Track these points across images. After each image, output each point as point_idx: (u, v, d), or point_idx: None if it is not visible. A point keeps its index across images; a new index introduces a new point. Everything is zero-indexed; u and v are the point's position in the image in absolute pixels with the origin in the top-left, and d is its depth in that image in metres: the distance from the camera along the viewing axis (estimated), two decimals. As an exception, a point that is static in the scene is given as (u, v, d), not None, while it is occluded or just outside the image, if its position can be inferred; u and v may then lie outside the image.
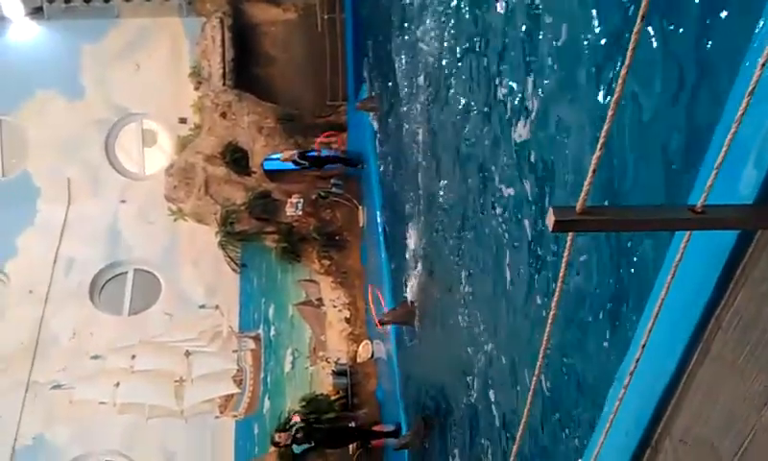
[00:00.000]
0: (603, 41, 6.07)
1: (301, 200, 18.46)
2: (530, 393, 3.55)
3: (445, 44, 11.08)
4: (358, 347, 17.51)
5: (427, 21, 11.98)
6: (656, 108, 5.14)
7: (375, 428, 15.58)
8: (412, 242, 13.51)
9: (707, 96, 4.51)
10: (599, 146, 2.43)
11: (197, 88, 20.04)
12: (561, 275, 2.83)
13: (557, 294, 2.91)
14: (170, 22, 20.89)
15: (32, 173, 20.19)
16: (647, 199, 5.23)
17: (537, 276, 7.45)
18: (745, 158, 2.78)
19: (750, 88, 2.42)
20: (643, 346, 3.20)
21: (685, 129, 4.82)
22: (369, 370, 17.08)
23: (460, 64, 10.34)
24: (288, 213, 18.40)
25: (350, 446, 15.59)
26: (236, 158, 19.33)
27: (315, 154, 18.61)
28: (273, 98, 19.85)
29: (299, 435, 14.62)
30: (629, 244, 5.51)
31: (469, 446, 10.15)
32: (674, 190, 4.85)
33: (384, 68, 15.95)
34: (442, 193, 11.40)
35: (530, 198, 7.63)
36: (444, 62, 11.16)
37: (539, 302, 7.32)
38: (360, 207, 18.47)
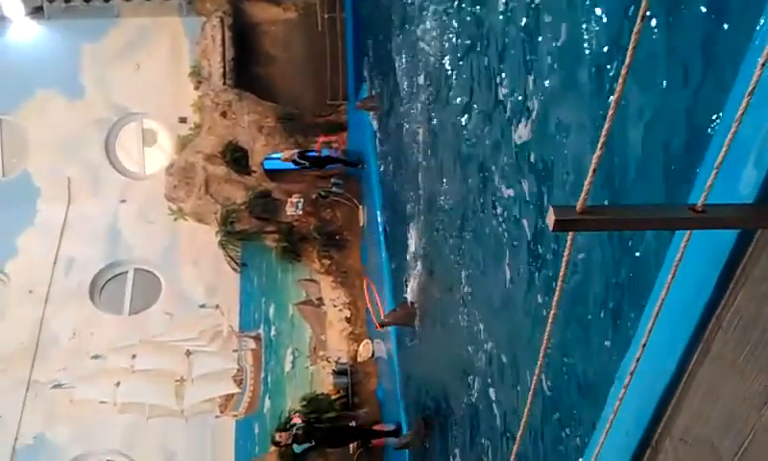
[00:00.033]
0: (603, 41, 6.07)
1: (302, 199, 18.46)
2: (530, 392, 3.55)
3: (446, 44, 11.08)
4: (358, 346, 17.52)
5: (428, 20, 11.98)
6: (656, 107, 5.14)
7: (376, 428, 15.58)
8: (412, 242, 13.51)
9: (707, 95, 4.51)
10: (599, 145, 2.43)
11: (197, 88, 20.03)
12: (561, 274, 2.83)
13: (557, 293, 2.91)
14: (170, 22, 20.89)
15: (32, 173, 20.19)
16: (647, 198, 5.23)
17: (537, 275, 7.45)
18: (745, 158, 2.78)
19: (750, 88, 2.42)
20: (644, 345, 3.20)
21: (686, 128, 4.81)
22: (369, 369, 17.08)
23: (460, 64, 10.34)
24: (288, 213, 18.41)
25: (351, 445, 15.60)
26: (236, 158, 19.33)
27: (315, 154, 18.61)
28: (273, 97, 19.85)
29: (299, 434, 14.63)
30: (630, 243, 5.51)
31: (470, 445, 10.15)
32: (674, 190, 4.85)
33: (384, 68, 15.95)
34: (442, 193, 11.40)
35: (530, 197, 7.63)
36: (444, 62, 11.16)
37: (539, 301, 7.32)
38: (360, 207, 18.47)
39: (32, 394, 17.77)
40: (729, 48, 4.23)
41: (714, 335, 3.13)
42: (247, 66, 20.01)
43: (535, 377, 3.42)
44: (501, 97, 8.49)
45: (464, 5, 10.27)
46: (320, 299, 18.52)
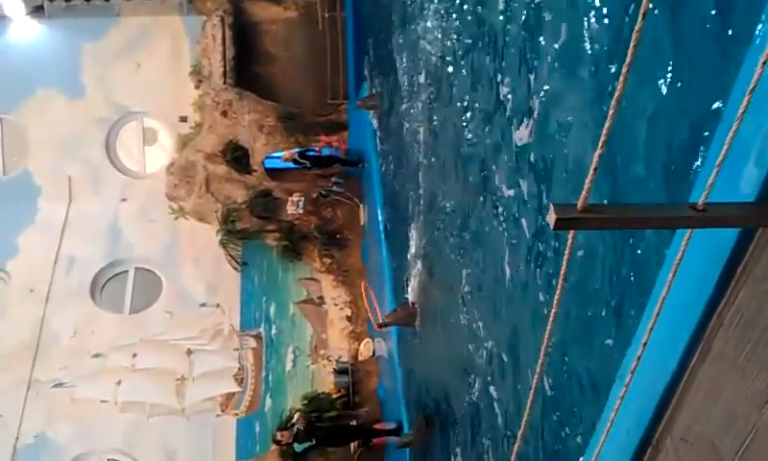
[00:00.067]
0: (604, 39, 6.06)
1: (302, 198, 18.48)
2: (531, 391, 3.55)
3: (446, 42, 11.07)
4: (359, 345, 17.53)
5: (428, 19, 11.97)
6: (657, 106, 5.14)
7: (377, 427, 15.59)
8: (413, 240, 13.51)
9: (708, 94, 4.50)
10: (600, 144, 2.43)
11: (197, 87, 20.04)
12: (562, 272, 2.83)
13: (558, 292, 2.91)
14: (170, 21, 20.88)
15: (32, 171, 20.19)
16: (648, 197, 5.22)
17: (538, 273, 7.45)
18: (746, 156, 2.77)
19: (751, 86, 2.41)
20: (644, 344, 3.20)
21: (687, 127, 4.81)
22: (370, 368, 17.09)
23: (461, 63, 10.33)
24: (289, 211, 18.43)
25: (352, 444, 15.60)
26: (237, 157, 19.34)
27: (315, 153, 18.61)
28: (273, 96, 19.86)
29: (300, 433, 14.63)
30: (630, 241, 5.50)
31: (471, 444, 10.15)
32: (675, 188, 4.85)
33: (385, 66, 15.96)
34: (443, 192, 11.40)
35: (531, 196, 7.63)
36: (445, 61, 11.16)
37: (541, 299, 7.32)
38: (361, 206, 18.47)
39: (33, 393, 17.77)
40: (730, 46, 4.23)
41: (715, 334, 3.12)
42: (247, 65, 20.01)
43: (536, 376, 3.42)
44: (502, 96, 8.49)
45: (464, 4, 10.27)
46: (321, 297, 18.53)
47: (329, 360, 17.62)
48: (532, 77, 7.53)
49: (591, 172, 2.41)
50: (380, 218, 16.37)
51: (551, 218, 2.43)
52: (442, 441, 11.93)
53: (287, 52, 20.34)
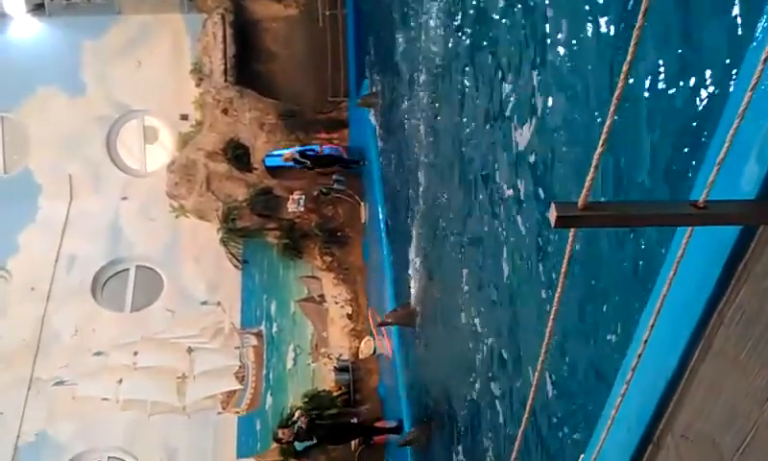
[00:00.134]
0: (605, 36, 6.06)
1: (303, 196, 18.50)
2: (532, 389, 3.55)
3: (447, 40, 11.06)
4: (360, 343, 17.53)
5: (429, 17, 11.96)
6: (657, 104, 5.14)
7: (377, 425, 15.61)
8: (413, 238, 13.51)
9: (708, 91, 4.50)
10: (601, 142, 2.43)
11: (198, 85, 20.05)
12: (563, 271, 2.83)
13: (559, 289, 2.91)
14: (171, 18, 20.89)
15: (33, 170, 20.20)
16: (649, 195, 5.22)
17: (539, 271, 7.44)
18: (747, 154, 2.77)
19: (752, 84, 2.41)
20: (645, 341, 3.20)
21: (687, 125, 4.81)
22: (371, 366, 17.10)
23: (462, 60, 10.32)
24: (290, 209, 18.44)
25: (352, 442, 15.61)
26: (238, 155, 19.35)
27: (316, 153, 18.61)
28: (274, 94, 19.87)
29: (301, 431, 14.64)
30: (632, 237, 5.50)
31: (472, 441, 10.15)
32: (676, 186, 4.85)
33: (385, 64, 15.95)
34: (443, 190, 11.40)
35: (532, 194, 7.62)
36: (445, 58, 11.15)
37: (542, 296, 7.31)
38: (362, 204, 18.47)
39: (34, 391, 17.78)
40: (730, 44, 4.23)
41: (716, 331, 3.12)
42: (248, 63, 20.01)
43: (537, 373, 3.42)
44: (502, 94, 8.48)
45: (465, 2, 10.25)
46: (321, 295, 18.54)
47: (330, 358, 17.63)
48: (534, 74, 7.52)
49: (592, 170, 2.41)
50: (381, 216, 16.37)
51: (552, 216, 2.43)
52: (443, 438, 11.94)
53: (288, 50, 20.34)
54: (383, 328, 15.16)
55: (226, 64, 19.45)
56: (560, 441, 6.95)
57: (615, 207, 2.79)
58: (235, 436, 17.58)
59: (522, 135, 7.81)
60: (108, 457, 17.63)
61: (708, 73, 4.63)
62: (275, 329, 18.54)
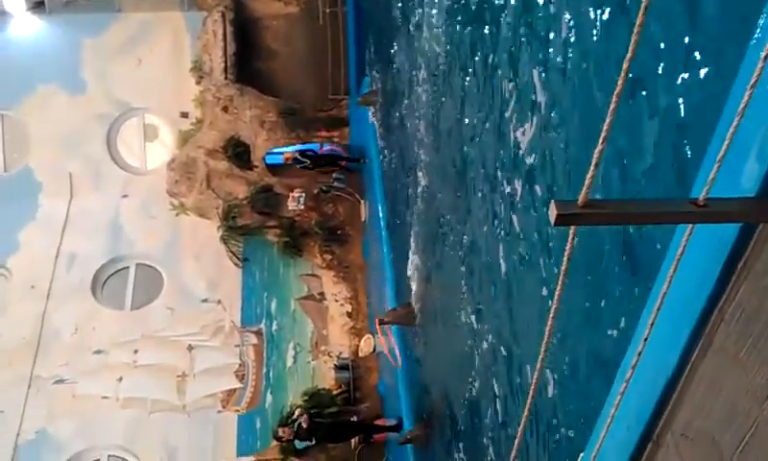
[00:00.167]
0: (606, 34, 6.05)
1: (303, 194, 18.50)
2: (532, 387, 3.55)
3: (448, 38, 11.06)
4: (360, 341, 17.54)
5: (429, 15, 11.96)
6: (657, 102, 5.13)
7: (377, 423, 15.61)
8: (414, 236, 13.51)
9: (708, 89, 4.50)
10: (601, 140, 2.42)
11: (198, 83, 20.05)
12: (563, 269, 2.82)
13: (559, 288, 2.91)
14: (171, 16, 20.89)
15: (33, 168, 20.21)
16: (650, 192, 5.22)
17: (539, 270, 7.44)
18: (747, 152, 2.77)
19: (752, 81, 2.41)
20: (645, 339, 3.20)
21: (687, 122, 4.80)
22: (370, 364, 17.11)
23: (462, 58, 10.32)
24: (290, 207, 18.45)
25: (352, 440, 15.61)
26: (238, 153, 19.35)
27: (316, 152, 18.61)
28: (274, 92, 19.87)
29: (301, 430, 14.65)
30: (631, 237, 5.50)
31: (473, 439, 10.16)
32: (676, 184, 4.85)
33: (386, 62, 15.95)
34: (443, 187, 11.40)
35: (532, 192, 7.62)
36: (446, 56, 11.15)
37: (543, 294, 7.31)
38: (362, 202, 18.48)
39: (34, 389, 17.78)
40: (731, 40, 4.22)
41: (716, 329, 3.12)
42: (248, 61, 20.02)
43: (536, 371, 3.42)
44: (503, 91, 8.48)
45: (465, -1, 10.26)
46: (321, 293, 18.54)
47: (330, 356, 17.64)
48: (534, 71, 7.51)
49: (592, 168, 2.41)
50: (381, 214, 16.37)
51: (552, 214, 2.42)
52: (443, 437, 11.94)
53: (288, 47, 20.34)
54: (387, 329, 15.14)
55: (226, 62, 19.46)
56: (559, 439, 6.95)
57: (615, 205, 2.79)
58: (235, 434, 17.59)
59: (523, 133, 7.80)
60: (108, 455, 17.62)
61: (708, 71, 4.63)
62: (275, 327, 18.55)
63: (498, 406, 9.03)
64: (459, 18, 10.54)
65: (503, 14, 8.54)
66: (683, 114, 4.88)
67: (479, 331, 9.63)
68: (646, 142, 5.27)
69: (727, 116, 2.93)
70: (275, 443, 15.85)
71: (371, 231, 17.81)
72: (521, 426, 4.14)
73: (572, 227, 2.63)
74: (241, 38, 19.81)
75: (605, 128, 2.41)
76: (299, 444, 15.32)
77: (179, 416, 17.39)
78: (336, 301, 18.19)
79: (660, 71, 5.08)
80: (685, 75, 4.88)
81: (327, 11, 19.74)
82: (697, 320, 3.22)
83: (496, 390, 9.07)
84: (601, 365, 5.99)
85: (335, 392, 16.78)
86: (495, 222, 8.81)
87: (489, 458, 9.34)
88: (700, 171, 3.22)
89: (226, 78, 19.46)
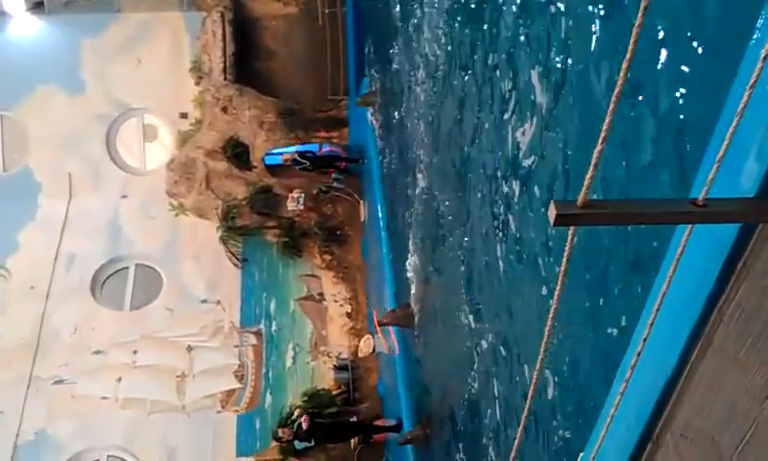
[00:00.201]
0: (606, 34, 6.05)
1: (303, 194, 18.50)
2: (532, 387, 3.55)
3: (447, 38, 11.06)
4: (359, 341, 17.54)
5: (429, 15, 11.95)
6: (657, 101, 5.13)
7: (377, 423, 15.60)
8: (413, 237, 13.51)
9: (708, 89, 4.50)
10: (600, 140, 2.42)
11: (198, 83, 20.04)
12: (562, 269, 2.82)
13: (558, 287, 2.91)
14: (171, 17, 20.89)
15: (33, 168, 20.20)
16: (649, 192, 5.22)
17: (538, 269, 7.44)
18: (746, 152, 2.77)
19: (751, 81, 2.41)
20: (645, 340, 3.20)
21: (687, 122, 4.81)
22: (370, 364, 17.11)
23: (462, 58, 10.32)
24: (289, 208, 18.45)
25: (352, 440, 15.61)
26: (237, 153, 19.35)
27: (315, 154, 18.61)
28: (274, 92, 19.87)
29: (301, 431, 14.64)
30: (631, 237, 5.50)
31: (472, 439, 10.15)
32: (675, 184, 4.85)
33: (385, 62, 15.94)
34: (443, 188, 11.39)
35: (531, 192, 7.62)
36: (445, 56, 11.15)
37: (543, 293, 7.31)
38: (361, 202, 18.48)
39: (33, 390, 17.77)
40: (731, 40, 4.22)
41: (716, 329, 3.12)
42: (247, 61, 20.01)
43: (536, 371, 3.42)
44: (502, 92, 8.48)
45: (464, -1, 10.26)
46: (321, 294, 18.54)
47: (329, 357, 17.63)
48: (533, 72, 7.51)
49: (591, 168, 2.41)
50: (380, 214, 16.37)
51: (551, 214, 2.43)
52: (442, 437, 11.94)
53: (287, 48, 20.34)
54: (388, 327, 15.16)
55: (225, 63, 19.45)
56: (559, 439, 6.95)
57: (615, 206, 2.79)
58: (235, 435, 17.58)
59: (523, 134, 7.80)
60: (108, 456, 17.61)
61: (707, 71, 4.63)
62: (274, 328, 18.54)
63: (498, 406, 9.03)
64: (459, 18, 10.54)
65: (503, 15, 8.54)
66: (682, 115, 4.89)
67: (479, 331, 9.63)
68: (645, 142, 5.27)
69: (726, 116, 2.93)
70: (274, 443, 15.84)
71: (370, 232, 17.81)
72: (521, 426, 4.14)
73: (572, 227, 2.63)
74: (240, 39, 19.81)
75: (604, 128, 2.41)
76: (298, 444, 15.31)
77: (178, 416, 17.38)
78: (335, 301, 18.18)
79: (659, 71, 5.09)
80: (685, 75, 4.88)
81: (327, 11, 19.74)
82: (697, 320, 3.22)
83: (496, 390, 9.07)
84: (601, 365, 5.99)
85: (334, 392, 16.78)
86: (495, 222, 8.81)
87: (489, 458, 9.34)
88: (699, 171, 3.23)
89: (225, 78, 19.46)
